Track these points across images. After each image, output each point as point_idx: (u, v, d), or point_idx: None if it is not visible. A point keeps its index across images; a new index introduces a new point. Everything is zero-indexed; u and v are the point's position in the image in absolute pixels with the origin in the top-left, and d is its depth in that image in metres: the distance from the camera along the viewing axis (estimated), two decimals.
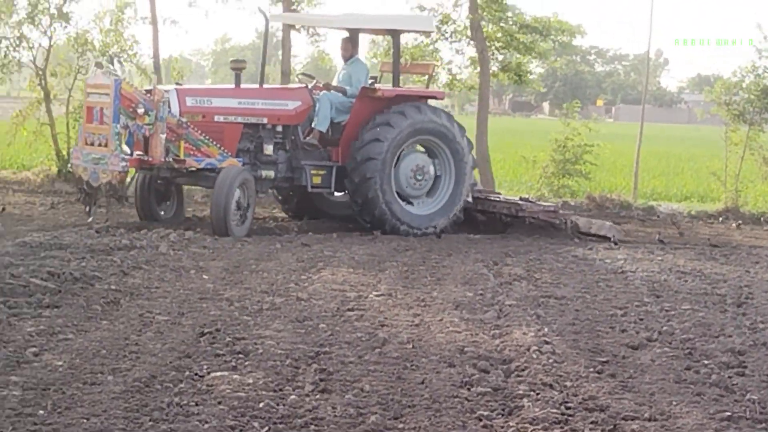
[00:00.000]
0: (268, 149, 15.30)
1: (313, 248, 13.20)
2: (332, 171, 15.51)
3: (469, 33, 21.55)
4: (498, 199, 17.06)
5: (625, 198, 21.74)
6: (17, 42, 20.43)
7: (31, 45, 20.63)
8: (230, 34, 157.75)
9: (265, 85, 15.97)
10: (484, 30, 21.49)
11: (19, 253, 11.06)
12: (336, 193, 16.44)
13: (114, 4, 20.74)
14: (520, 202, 16.67)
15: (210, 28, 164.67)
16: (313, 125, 15.52)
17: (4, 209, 16.29)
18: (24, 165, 22.89)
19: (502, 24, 21.80)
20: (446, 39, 22.08)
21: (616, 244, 15.45)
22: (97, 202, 14.51)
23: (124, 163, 13.72)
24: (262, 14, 15.60)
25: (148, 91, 14.17)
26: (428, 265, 12.33)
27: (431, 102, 16.52)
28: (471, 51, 22.37)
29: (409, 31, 17.08)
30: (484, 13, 21.36)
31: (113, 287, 9.68)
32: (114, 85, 13.66)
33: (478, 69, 21.96)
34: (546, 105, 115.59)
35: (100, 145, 13.87)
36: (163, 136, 13.86)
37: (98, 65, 14.32)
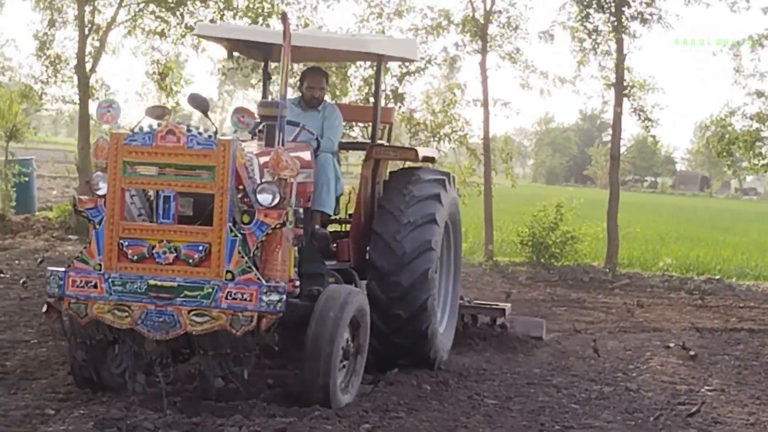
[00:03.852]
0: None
1: (640, 336, 12.95)
2: (353, 280, 9.54)
3: None
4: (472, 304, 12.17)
5: None
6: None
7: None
8: (552, 113, 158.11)
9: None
10: None
11: None
12: None
13: (444, 86, 21.37)
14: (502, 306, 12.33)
15: (534, 108, 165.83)
16: (314, 207, 9.44)
17: None
18: None
19: None
20: None
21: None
22: (160, 364, 7.70)
23: (278, 296, 7.35)
24: (282, 21, 8.14)
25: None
26: (761, 361, 11.80)
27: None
28: None
29: (393, 59, 10.99)
30: None
31: (442, 367, 9.80)
32: (231, 150, 7.50)
33: None
34: None
35: (176, 259, 7.46)
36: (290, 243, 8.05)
37: (157, 111, 8.08)
